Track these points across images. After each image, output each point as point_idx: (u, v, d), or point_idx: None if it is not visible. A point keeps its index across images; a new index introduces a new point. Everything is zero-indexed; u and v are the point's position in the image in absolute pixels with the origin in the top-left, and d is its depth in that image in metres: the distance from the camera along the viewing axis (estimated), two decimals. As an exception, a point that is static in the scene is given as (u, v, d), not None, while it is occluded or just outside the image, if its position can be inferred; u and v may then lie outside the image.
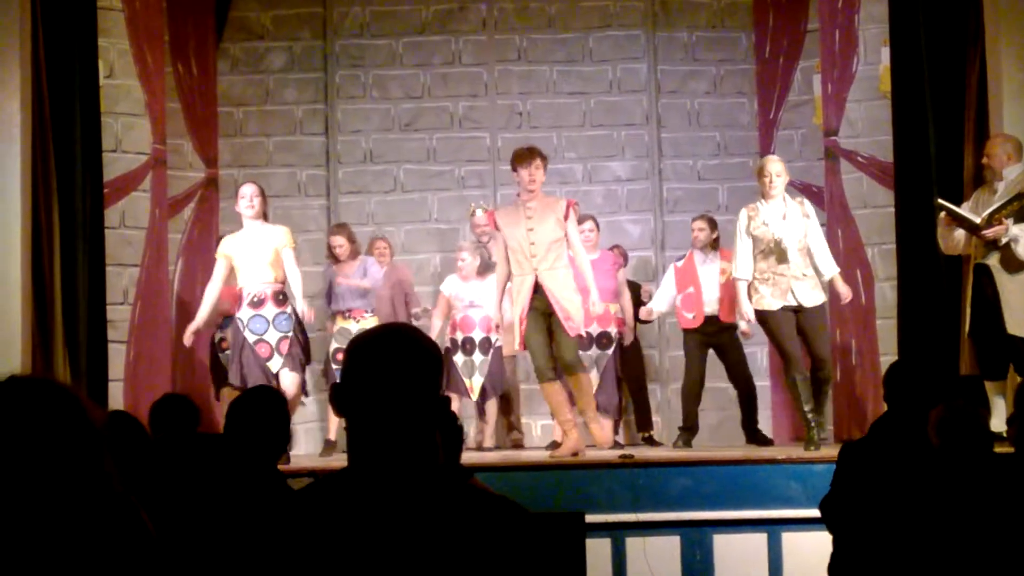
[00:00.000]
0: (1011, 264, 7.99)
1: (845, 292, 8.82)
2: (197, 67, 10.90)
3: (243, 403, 4.57)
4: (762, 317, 8.71)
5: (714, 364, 9.86)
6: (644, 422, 10.42)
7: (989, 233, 7.95)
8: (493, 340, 9.87)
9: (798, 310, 8.65)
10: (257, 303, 8.93)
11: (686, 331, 9.89)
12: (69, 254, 8.86)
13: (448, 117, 11.62)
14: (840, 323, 10.14)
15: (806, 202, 8.93)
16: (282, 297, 8.96)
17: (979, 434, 4.78)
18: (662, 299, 9.98)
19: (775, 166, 8.82)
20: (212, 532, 3.76)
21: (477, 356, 9.90)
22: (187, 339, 9.18)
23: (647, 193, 11.53)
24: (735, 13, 11.60)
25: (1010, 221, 7.93)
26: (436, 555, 2.19)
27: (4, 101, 8.55)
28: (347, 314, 9.87)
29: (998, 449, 5.10)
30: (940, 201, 8.22)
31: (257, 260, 8.94)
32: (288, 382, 8.75)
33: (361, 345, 2.36)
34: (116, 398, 9.44)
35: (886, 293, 9.81)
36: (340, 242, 9.94)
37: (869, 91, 10.12)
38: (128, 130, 9.98)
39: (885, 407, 5.42)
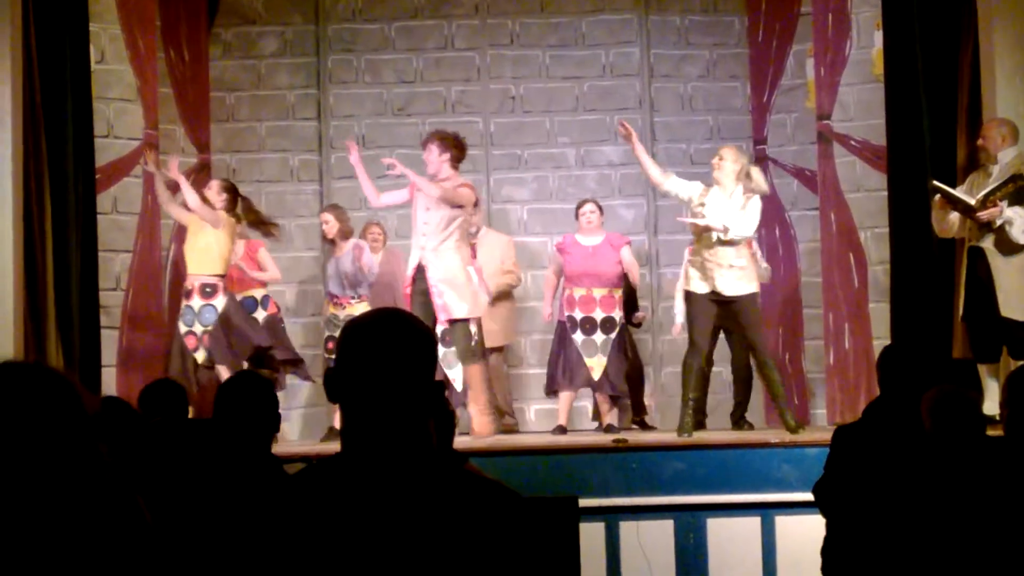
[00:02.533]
0: (1005, 247, 8.00)
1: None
2: (189, 52, 10.88)
3: (230, 388, 4.57)
4: (688, 296, 8.83)
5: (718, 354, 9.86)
6: (637, 407, 10.42)
7: (983, 215, 7.96)
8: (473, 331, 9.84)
9: (723, 301, 8.68)
10: (187, 294, 9.20)
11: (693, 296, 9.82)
12: (61, 240, 8.85)
13: (441, 102, 11.60)
14: (833, 306, 10.15)
15: (755, 199, 8.82)
16: (209, 290, 9.08)
17: (972, 417, 4.79)
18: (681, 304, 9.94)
19: (728, 152, 8.85)
20: (207, 517, 3.76)
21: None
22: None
23: (640, 177, 11.46)
24: (728, -3, 11.60)
25: (1004, 203, 7.94)
26: (430, 539, 2.19)
27: (-5, 86, 8.53)
28: (336, 301, 9.82)
29: (991, 432, 5.11)
30: (935, 183, 8.22)
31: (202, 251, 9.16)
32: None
33: (354, 330, 2.36)
34: (109, 384, 9.44)
35: (879, 277, 9.82)
36: (327, 218, 9.96)
37: (862, 75, 10.11)
38: (120, 115, 9.96)
39: (878, 391, 5.43)
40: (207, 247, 9.10)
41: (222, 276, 9.18)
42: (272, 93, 11.54)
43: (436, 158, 9.14)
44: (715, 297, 8.65)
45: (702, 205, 8.68)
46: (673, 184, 8.82)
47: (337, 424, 8.85)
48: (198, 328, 9.08)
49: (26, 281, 8.59)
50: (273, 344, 9.41)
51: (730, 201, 8.68)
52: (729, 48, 11.55)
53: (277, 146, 11.50)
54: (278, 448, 5.72)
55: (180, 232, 9.98)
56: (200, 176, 10.84)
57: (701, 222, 8.53)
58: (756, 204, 8.77)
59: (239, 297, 9.51)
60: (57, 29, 8.92)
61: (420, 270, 8.97)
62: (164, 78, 10.58)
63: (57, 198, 8.83)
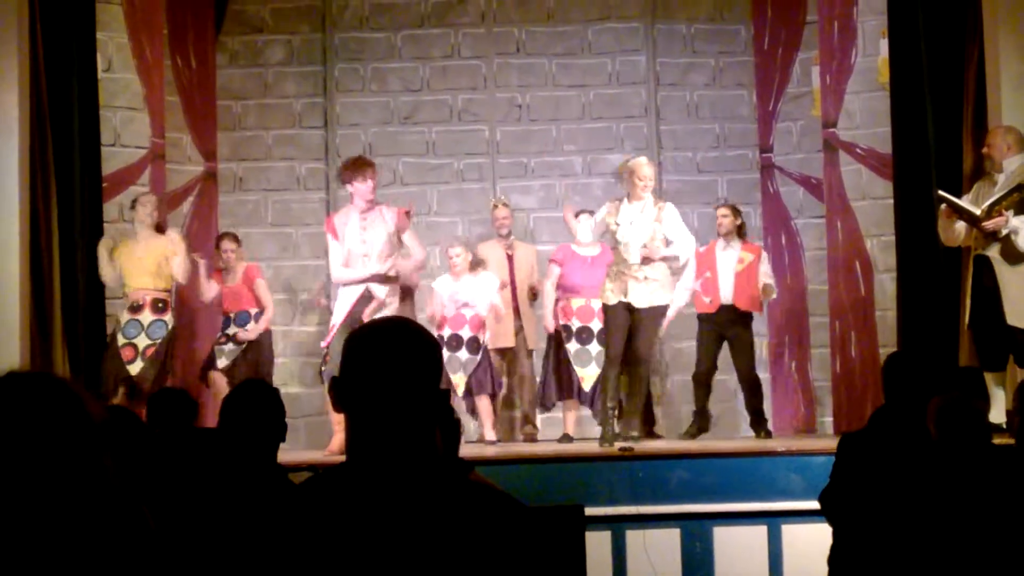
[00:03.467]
0: (1011, 255, 7.99)
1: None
2: (196, 60, 10.90)
3: (237, 397, 4.57)
4: (603, 308, 8.93)
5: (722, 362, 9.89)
6: (646, 416, 10.41)
7: (989, 225, 7.95)
8: (482, 340, 9.84)
9: (632, 310, 8.72)
10: (135, 309, 9.16)
11: (700, 318, 9.91)
12: (68, 248, 8.86)
13: (447, 110, 11.62)
14: (839, 314, 10.15)
15: (668, 206, 8.89)
16: (161, 305, 9.15)
17: (978, 426, 4.79)
18: (680, 291, 9.97)
19: (647, 170, 8.83)
20: (213, 526, 3.76)
21: (463, 353, 9.84)
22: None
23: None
24: (734, 5, 11.60)
25: (1010, 213, 7.93)
26: (436, 549, 2.20)
27: (2, 95, 8.54)
28: None
29: (997, 440, 5.10)
30: (941, 193, 8.22)
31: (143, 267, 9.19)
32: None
33: (360, 339, 2.36)
34: (115, 392, 9.45)
35: (885, 285, 9.81)
36: None
37: (868, 83, 10.11)
38: (127, 124, 9.97)
39: (884, 399, 5.42)
40: (159, 264, 9.15)
41: (169, 291, 9.29)
42: (279, 102, 11.55)
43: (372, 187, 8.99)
44: (625, 307, 8.70)
45: (617, 224, 8.76)
46: (584, 224, 9.11)
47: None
48: (143, 341, 9.09)
49: (32, 289, 8.60)
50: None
51: (642, 214, 8.74)
52: (735, 56, 11.56)
53: (284, 154, 11.52)
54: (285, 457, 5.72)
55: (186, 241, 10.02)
56: (206, 184, 10.86)
57: None
58: (673, 211, 8.89)
59: (233, 313, 9.56)
60: (64, 38, 8.94)
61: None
62: (171, 87, 10.60)
63: (64, 206, 8.85)
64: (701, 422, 9.83)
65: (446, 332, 9.95)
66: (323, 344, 9.06)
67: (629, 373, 8.91)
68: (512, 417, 10.59)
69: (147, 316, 9.11)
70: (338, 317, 8.76)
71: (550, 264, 10.11)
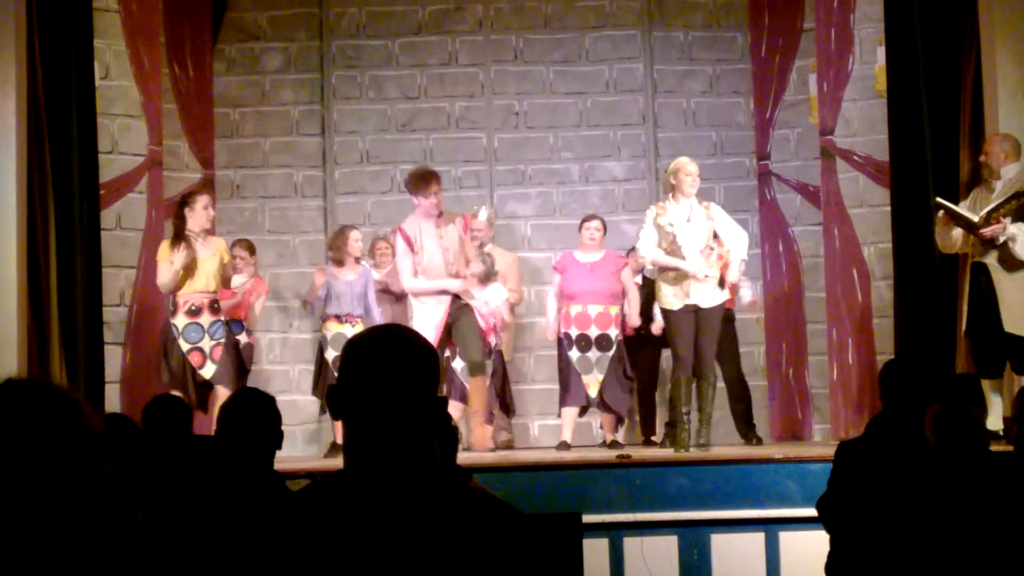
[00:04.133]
0: (1009, 263, 8.00)
1: (748, 303, 8.98)
2: (193, 68, 10.90)
3: (233, 405, 4.57)
4: (665, 315, 8.92)
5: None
6: (648, 426, 10.41)
7: (987, 232, 7.96)
8: (493, 344, 9.84)
9: (698, 310, 8.73)
10: (194, 312, 9.04)
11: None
12: (65, 256, 8.85)
13: (445, 117, 11.62)
14: (836, 322, 10.15)
15: (713, 206, 8.99)
16: (216, 306, 9.10)
17: (975, 433, 4.79)
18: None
19: (693, 167, 8.89)
20: (210, 533, 3.76)
21: (457, 363, 9.83)
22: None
23: (644, 193, 11.52)
24: (731, 12, 11.61)
25: (1008, 220, 7.94)
26: (433, 556, 2.20)
27: (0, 102, 8.54)
28: (343, 318, 9.74)
29: (994, 447, 5.10)
30: (938, 200, 8.23)
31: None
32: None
33: (357, 346, 2.36)
34: (112, 400, 9.44)
35: (882, 292, 9.82)
36: (356, 236, 9.96)
37: (865, 90, 10.12)
38: (124, 131, 9.97)
39: (881, 406, 5.42)
40: (210, 268, 9.09)
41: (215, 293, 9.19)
42: (276, 109, 11.56)
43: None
44: (690, 309, 8.73)
45: (671, 225, 8.75)
46: (647, 246, 8.91)
47: (340, 439, 8.81)
48: (207, 344, 9.04)
49: (30, 297, 8.59)
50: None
51: (692, 212, 8.81)
52: (732, 64, 11.57)
53: (281, 162, 11.52)
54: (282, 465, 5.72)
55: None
56: (204, 192, 10.85)
57: None
58: (719, 209, 8.97)
59: (226, 319, 9.45)
60: (62, 45, 8.93)
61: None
62: (168, 94, 10.60)
63: (61, 214, 8.84)
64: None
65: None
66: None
67: (700, 377, 8.86)
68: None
69: (207, 318, 9.04)
70: (432, 331, 8.93)
71: (553, 272, 10.11)
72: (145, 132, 10.04)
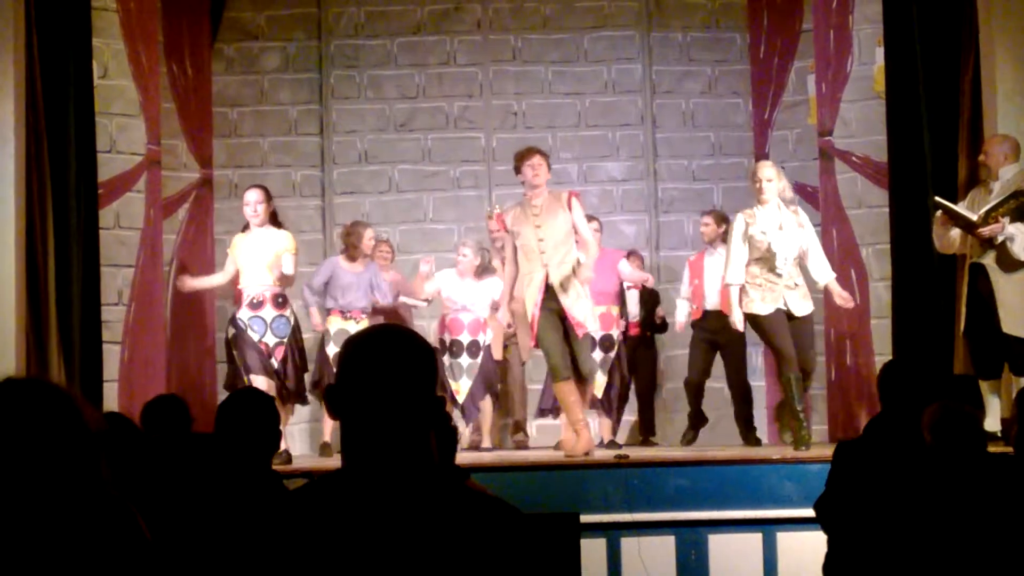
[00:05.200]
0: (1007, 263, 8.00)
1: (843, 298, 8.74)
2: (192, 67, 10.89)
3: (231, 405, 4.57)
4: (754, 320, 8.62)
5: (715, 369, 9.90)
6: (647, 426, 10.42)
7: (985, 231, 7.96)
8: (481, 342, 9.84)
9: (789, 317, 8.57)
10: (256, 305, 8.96)
11: (692, 326, 9.97)
12: (63, 255, 8.84)
13: (443, 117, 11.63)
14: (835, 323, 10.15)
15: (800, 211, 8.83)
16: (281, 300, 8.99)
17: (972, 433, 4.79)
18: (681, 303, 10.06)
19: (767, 171, 8.71)
20: (207, 533, 3.76)
21: (464, 359, 9.85)
22: (183, 285, 9.50)
23: (642, 193, 11.54)
24: (730, 13, 11.61)
25: (1006, 220, 7.94)
26: (431, 556, 2.20)
27: (-1, 102, 8.55)
28: (348, 314, 9.68)
29: (992, 448, 5.11)
30: (937, 199, 8.23)
31: (259, 263, 8.97)
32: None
33: (355, 346, 2.36)
34: (110, 399, 9.43)
35: (880, 293, 9.82)
36: (359, 231, 9.82)
37: (863, 91, 10.12)
38: (122, 130, 9.96)
39: (879, 407, 5.43)
40: (270, 258, 9.01)
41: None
42: (275, 108, 11.56)
43: (545, 172, 8.69)
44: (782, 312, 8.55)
45: (763, 233, 8.53)
46: (733, 265, 8.63)
47: (327, 438, 8.79)
48: (270, 339, 8.96)
49: (28, 296, 8.59)
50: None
51: (782, 218, 8.62)
52: (730, 64, 11.57)
53: (279, 161, 11.52)
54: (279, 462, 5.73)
55: (182, 248, 10.02)
56: (202, 191, 10.86)
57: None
58: (804, 215, 8.80)
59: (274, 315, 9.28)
60: (60, 44, 8.93)
61: (549, 287, 8.51)
62: (167, 93, 10.59)
63: (59, 213, 8.83)
64: (696, 422, 9.87)
65: (446, 337, 9.96)
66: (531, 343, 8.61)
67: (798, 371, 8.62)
68: (505, 424, 10.60)
69: (269, 311, 8.97)
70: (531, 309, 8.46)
71: None
72: (143, 131, 10.02)
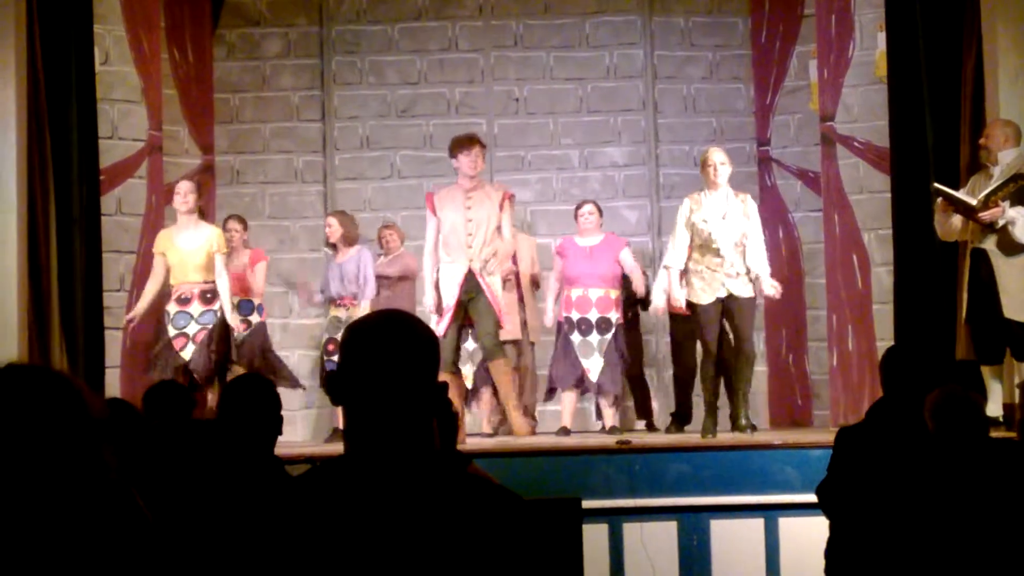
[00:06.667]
0: (1008, 247, 7.98)
1: (772, 291, 8.80)
2: (193, 53, 10.89)
3: (234, 390, 4.58)
4: (692, 308, 8.81)
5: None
6: (644, 409, 10.41)
7: (985, 216, 7.95)
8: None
9: (731, 299, 8.68)
10: (184, 301, 9.19)
11: (672, 317, 9.88)
12: (65, 241, 8.85)
13: (445, 103, 11.62)
14: (836, 308, 10.15)
15: (749, 200, 8.87)
16: (209, 296, 9.19)
17: (974, 419, 4.79)
18: (659, 292, 9.98)
19: (719, 155, 8.79)
20: (210, 519, 3.76)
21: (469, 344, 9.86)
22: (130, 319, 9.42)
23: (644, 179, 11.53)
24: (731, -1, 11.60)
25: (1006, 204, 7.93)
26: (433, 541, 2.20)
27: (0, 88, 8.54)
28: (338, 302, 9.84)
29: (994, 434, 5.11)
30: (936, 185, 8.22)
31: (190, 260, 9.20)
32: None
33: (357, 332, 2.37)
34: (112, 385, 9.45)
35: (882, 278, 9.82)
36: (330, 223, 10.05)
37: (865, 76, 10.11)
38: (124, 117, 9.97)
39: (881, 392, 5.43)
40: (204, 255, 9.16)
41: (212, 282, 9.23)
42: (276, 94, 11.55)
43: (482, 162, 9.18)
44: (719, 300, 8.66)
45: (705, 221, 8.66)
46: (675, 250, 8.83)
47: (341, 425, 8.83)
48: (192, 328, 9.11)
49: (30, 282, 8.59)
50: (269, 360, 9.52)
51: (728, 207, 8.71)
52: (732, 50, 11.56)
53: (281, 147, 11.52)
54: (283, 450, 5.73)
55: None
56: (204, 177, 10.85)
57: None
58: (755, 208, 8.89)
59: (236, 300, 9.48)
60: (61, 31, 8.93)
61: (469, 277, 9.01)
62: (168, 80, 10.59)
63: (61, 199, 8.84)
64: (682, 420, 9.81)
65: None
66: (440, 334, 8.83)
67: (734, 365, 8.88)
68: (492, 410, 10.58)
69: (197, 307, 9.15)
70: (449, 299, 8.91)
71: (554, 257, 10.13)
72: (145, 117, 10.03)
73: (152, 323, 9.44)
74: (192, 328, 9.10)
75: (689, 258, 8.76)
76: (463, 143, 9.08)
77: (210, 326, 9.08)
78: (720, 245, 8.61)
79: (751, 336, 8.90)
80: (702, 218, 8.66)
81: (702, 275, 8.68)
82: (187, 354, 9.05)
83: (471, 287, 8.96)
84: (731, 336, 8.91)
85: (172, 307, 9.18)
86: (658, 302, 9.85)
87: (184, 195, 9.23)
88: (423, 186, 11.47)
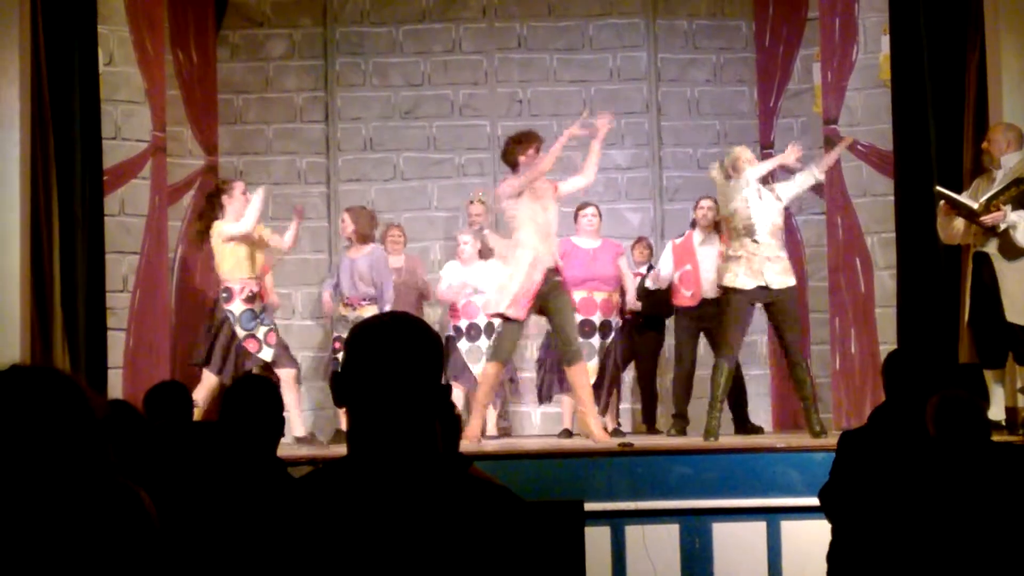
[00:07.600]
0: (1010, 251, 7.98)
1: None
2: (197, 54, 10.89)
3: (236, 391, 4.58)
4: (729, 295, 8.77)
5: (706, 356, 9.83)
6: (650, 413, 10.40)
7: (987, 219, 7.94)
8: (496, 324, 9.85)
9: (768, 291, 8.67)
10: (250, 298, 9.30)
11: (679, 312, 9.86)
12: (68, 242, 8.86)
13: (448, 105, 11.62)
14: (839, 311, 10.15)
15: (777, 187, 9.02)
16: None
17: (977, 423, 4.79)
18: (664, 269, 9.97)
19: (749, 153, 9.02)
20: (212, 519, 3.77)
21: (483, 341, 9.86)
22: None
23: (647, 181, 11.53)
24: (735, 1, 11.60)
25: (1008, 207, 7.92)
26: (435, 543, 2.20)
27: (3, 88, 8.54)
28: (347, 301, 9.83)
29: (996, 438, 5.10)
30: (938, 188, 8.22)
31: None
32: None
33: (362, 333, 2.37)
34: (115, 386, 9.44)
35: (885, 282, 9.81)
36: (344, 218, 10.10)
37: (869, 79, 10.11)
38: (128, 117, 9.96)
39: (884, 396, 5.43)
40: (248, 254, 9.35)
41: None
42: (280, 96, 11.56)
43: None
44: (760, 289, 8.68)
45: (743, 200, 8.78)
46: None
47: (344, 426, 8.84)
48: (261, 330, 9.25)
49: (33, 283, 8.59)
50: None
51: (761, 191, 8.86)
52: (736, 52, 11.56)
53: (285, 148, 11.52)
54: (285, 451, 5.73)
55: (187, 234, 10.08)
56: (207, 178, 10.86)
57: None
58: (781, 188, 9.07)
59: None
60: (65, 31, 8.93)
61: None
62: (172, 80, 10.60)
63: (64, 200, 8.84)
64: (682, 424, 9.77)
65: (463, 323, 9.97)
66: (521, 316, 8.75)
67: (789, 364, 8.89)
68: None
69: (254, 305, 9.33)
70: (527, 287, 8.71)
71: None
72: (149, 118, 10.03)
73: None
74: (261, 330, 9.28)
75: (728, 246, 8.87)
76: (533, 138, 9.04)
77: (273, 328, 9.36)
78: (759, 226, 8.67)
79: (798, 343, 8.92)
80: (743, 197, 8.73)
81: (742, 259, 8.71)
82: (267, 355, 9.24)
83: (550, 284, 8.77)
84: (780, 344, 8.97)
85: (239, 306, 9.27)
86: (663, 271, 9.84)
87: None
88: (426, 188, 11.49)
